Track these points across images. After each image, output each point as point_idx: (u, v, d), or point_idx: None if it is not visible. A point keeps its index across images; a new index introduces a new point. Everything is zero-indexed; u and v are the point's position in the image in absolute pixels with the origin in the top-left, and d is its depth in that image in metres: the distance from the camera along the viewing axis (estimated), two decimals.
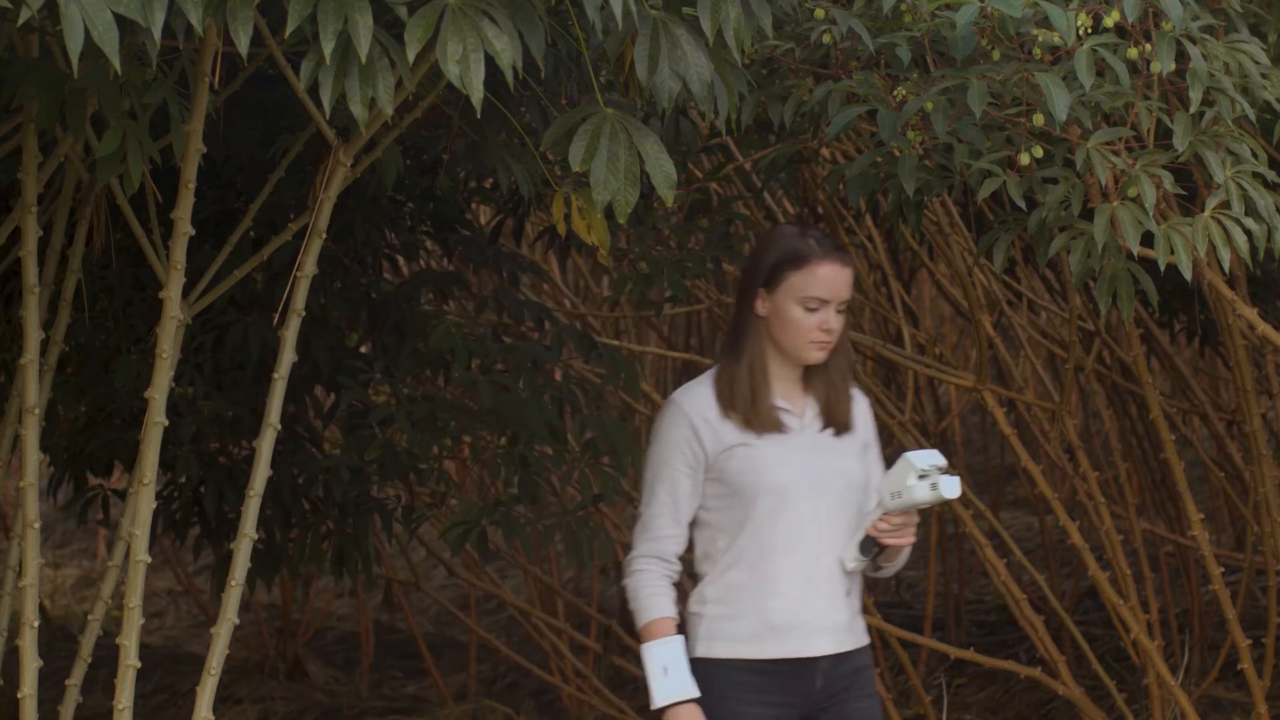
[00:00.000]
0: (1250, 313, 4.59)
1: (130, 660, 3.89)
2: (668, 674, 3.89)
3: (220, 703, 7.30)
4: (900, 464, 3.88)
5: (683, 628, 3.97)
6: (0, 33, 3.82)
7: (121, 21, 3.11)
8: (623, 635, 6.67)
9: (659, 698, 3.90)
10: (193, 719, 3.93)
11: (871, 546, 3.97)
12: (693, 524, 3.99)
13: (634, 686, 7.33)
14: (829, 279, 3.95)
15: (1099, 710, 5.83)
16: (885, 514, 3.91)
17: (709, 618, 3.98)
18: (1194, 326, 6.49)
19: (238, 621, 3.96)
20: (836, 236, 6.70)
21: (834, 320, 3.97)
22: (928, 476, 3.84)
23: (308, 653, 7.99)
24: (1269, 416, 7.59)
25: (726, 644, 3.96)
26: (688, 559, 4.04)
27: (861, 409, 4.10)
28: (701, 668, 3.95)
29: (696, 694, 3.90)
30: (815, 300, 3.95)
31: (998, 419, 5.60)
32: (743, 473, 3.94)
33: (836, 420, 4.02)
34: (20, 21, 3.01)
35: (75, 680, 4.27)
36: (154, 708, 7.52)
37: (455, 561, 6.94)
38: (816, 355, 3.97)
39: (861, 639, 4.06)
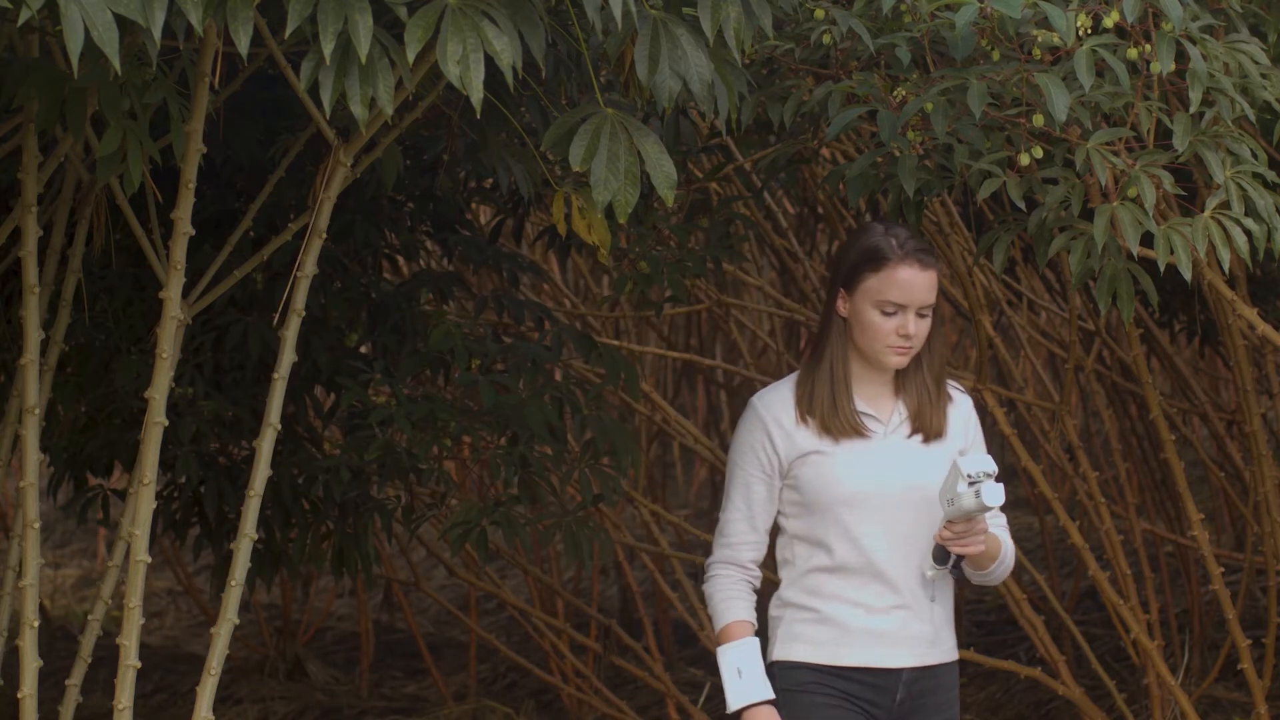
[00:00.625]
0: (1250, 313, 4.59)
1: (130, 660, 3.89)
2: (742, 676, 3.82)
3: (220, 703, 7.30)
4: (951, 471, 3.77)
5: (760, 632, 3.89)
6: (0, 33, 3.82)
7: (121, 21, 3.11)
8: (623, 635, 6.67)
9: (734, 700, 3.82)
10: (193, 719, 3.93)
11: (945, 554, 3.85)
12: (775, 527, 3.91)
13: (634, 686, 7.33)
14: (906, 283, 3.80)
15: (1099, 710, 5.83)
16: (947, 521, 3.79)
17: (788, 621, 3.89)
18: (1194, 326, 6.49)
19: (238, 621, 3.96)
20: (837, 234, 6.70)
21: (912, 325, 3.81)
22: (976, 483, 3.73)
23: (308, 653, 7.99)
24: (1269, 416, 7.59)
25: (805, 648, 3.87)
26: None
27: (960, 412, 3.94)
28: (779, 670, 3.87)
29: (772, 696, 3.82)
30: (891, 304, 3.81)
31: (998, 419, 5.60)
32: (815, 481, 3.84)
33: (925, 427, 3.88)
34: (20, 21, 3.02)
35: (75, 680, 4.27)
36: (154, 708, 7.52)
37: (455, 561, 6.94)
38: (895, 360, 3.83)
39: (948, 654, 3.93)
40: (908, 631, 3.86)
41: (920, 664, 3.87)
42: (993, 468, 3.73)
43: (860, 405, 3.87)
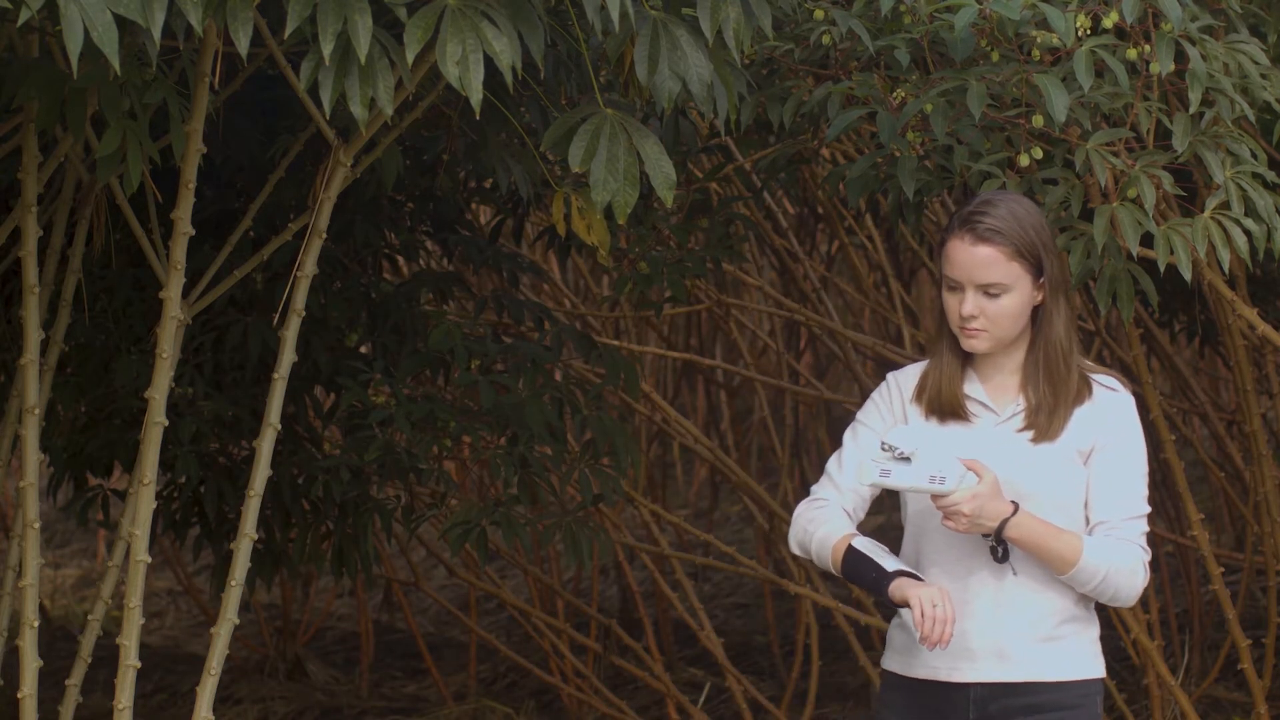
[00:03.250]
0: (1250, 313, 4.59)
1: (130, 660, 3.90)
2: (876, 553, 3.55)
3: (220, 703, 7.30)
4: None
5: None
6: (0, 33, 3.82)
7: (121, 22, 3.11)
8: (623, 635, 6.67)
9: (890, 565, 3.52)
10: (193, 719, 3.93)
11: (994, 548, 3.57)
12: None
13: (634, 686, 7.33)
14: (957, 258, 3.53)
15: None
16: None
17: (892, 623, 3.71)
18: (1194, 326, 6.49)
19: (238, 621, 3.97)
20: (837, 234, 6.71)
21: (970, 304, 3.53)
22: (894, 458, 3.53)
23: (308, 653, 7.99)
24: (1269, 416, 7.59)
25: (889, 655, 3.68)
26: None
27: (1096, 411, 3.59)
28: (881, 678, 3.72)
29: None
30: (952, 280, 3.55)
31: None
32: None
33: (1036, 423, 3.57)
34: (20, 22, 3.02)
35: (75, 680, 4.28)
36: (154, 708, 7.52)
37: (455, 561, 6.94)
38: (968, 344, 3.56)
39: (1036, 671, 3.58)
40: (976, 644, 3.58)
41: (993, 679, 3.57)
42: (909, 445, 3.50)
43: (977, 392, 3.61)
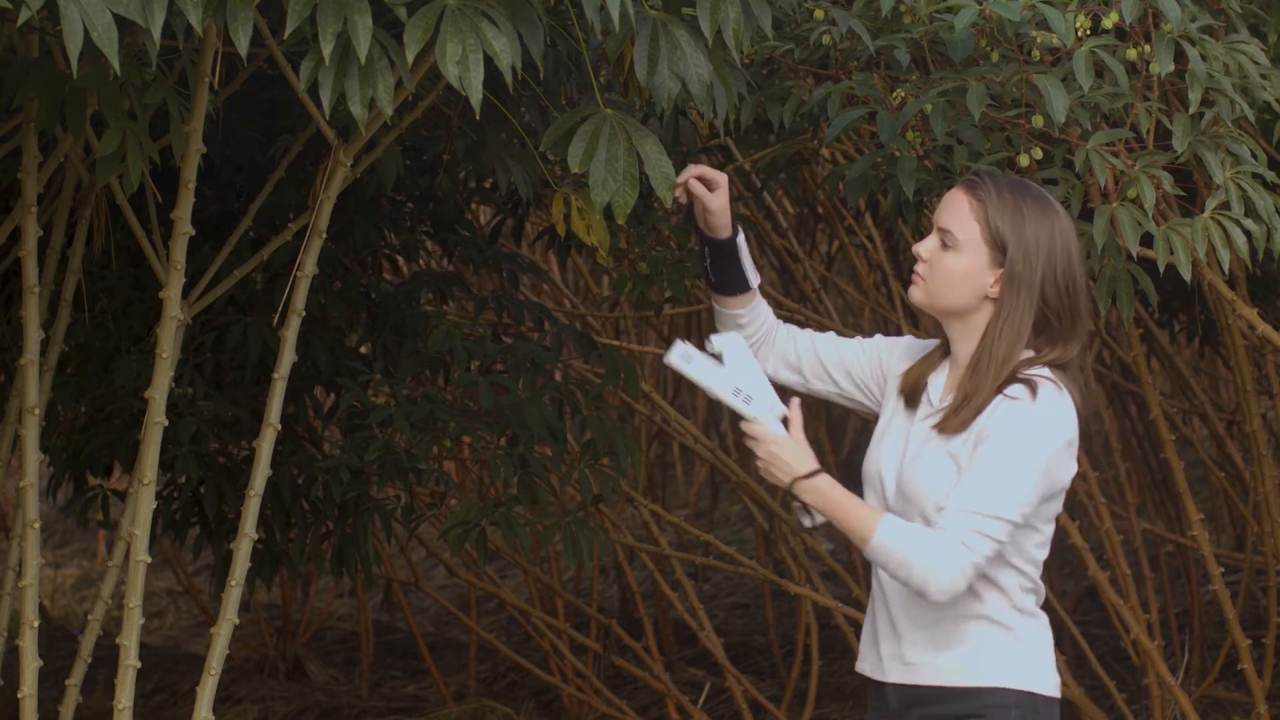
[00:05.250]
0: (1250, 313, 4.59)
1: (130, 660, 3.90)
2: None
3: (220, 703, 7.30)
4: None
5: None
6: (0, 33, 3.82)
7: (121, 22, 3.11)
8: (623, 635, 6.67)
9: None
10: (192, 719, 3.93)
11: (796, 507, 3.49)
12: None
13: (634, 686, 7.33)
14: (943, 201, 3.50)
15: (1099, 710, 5.83)
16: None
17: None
18: (1194, 326, 6.49)
19: (238, 621, 3.97)
20: (837, 234, 6.71)
21: (926, 245, 3.49)
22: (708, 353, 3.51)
23: (308, 653, 8.00)
24: (1269, 416, 7.60)
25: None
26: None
27: (995, 413, 3.42)
28: None
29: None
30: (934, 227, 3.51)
31: None
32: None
33: (942, 423, 3.46)
34: (20, 22, 3.02)
35: (75, 680, 4.28)
36: (154, 708, 7.52)
37: (455, 561, 6.94)
38: (909, 288, 3.52)
39: (932, 675, 3.48)
40: (888, 642, 3.53)
41: (902, 681, 3.52)
42: (722, 346, 3.48)
43: (936, 383, 3.54)
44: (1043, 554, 3.52)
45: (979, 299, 3.48)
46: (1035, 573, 3.52)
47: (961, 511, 3.38)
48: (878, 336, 3.72)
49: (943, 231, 3.48)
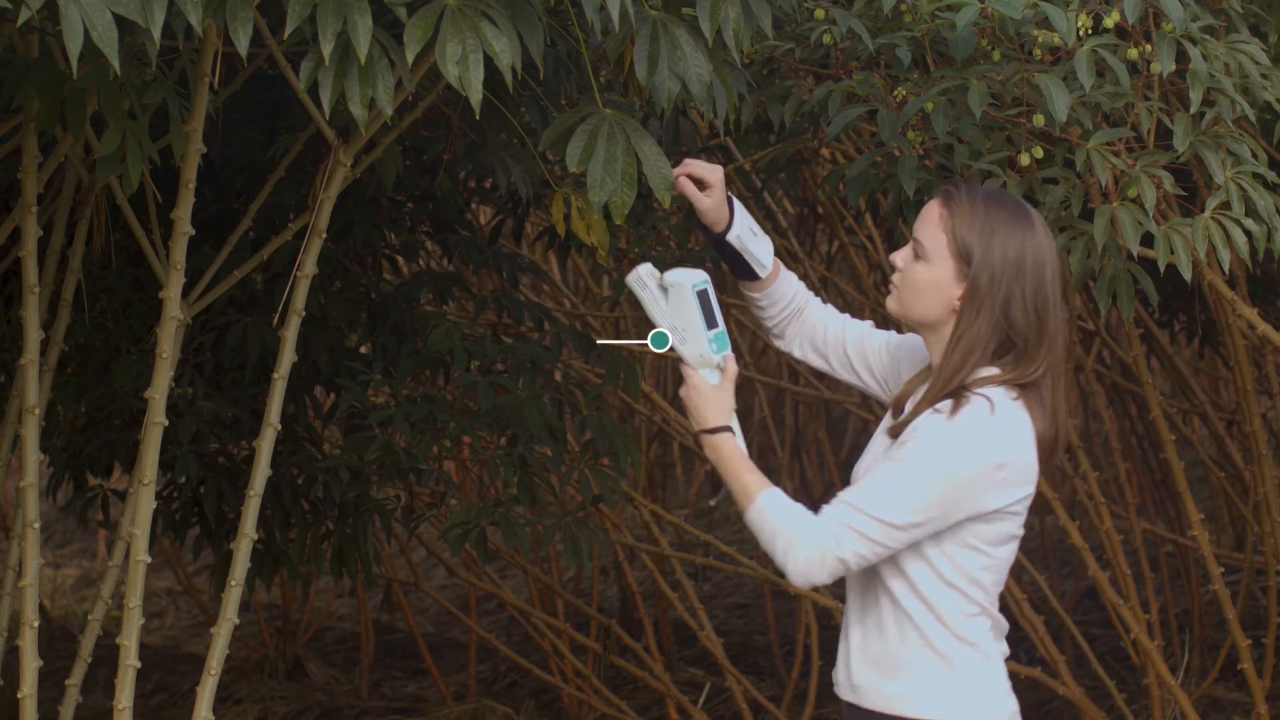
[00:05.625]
0: (1250, 313, 4.59)
1: (130, 660, 3.89)
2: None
3: (220, 703, 7.30)
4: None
5: None
6: (0, 33, 3.82)
7: (121, 22, 3.11)
8: (623, 635, 6.67)
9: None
10: (192, 719, 3.93)
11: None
12: None
13: (634, 686, 7.33)
14: (921, 211, 3.45)
15: (1099, 710, 5.83)
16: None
17: None
18: (1194, 326, 6.49)
19: (238, 621, 3.96)
20: (837, 234, 6.71)
21: (901, 254, 3.43)
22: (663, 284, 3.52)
23: (308, 653, 8.00)
24: (1269, 416, 7.59)
25: None
26: None
27: (917, 426, 3.37)
28: None
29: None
30: None
31: None
32: None
33: (894, 427, 3.44)
34: (20, 22, 3.02)
35: (75, 680, 4.28)
36: (154, 708, 7.52)
37: (455, 561, 6.94)
38: (887, 300, 3.48)
39: (871, 700, 3.43)
40: (840, 658, 3.50)
41: (849, 701, 3.46)
42: (678, 278, 3.50)
43: (916, 394, 3.48)
44: (992, 578, 3.40)
45: (947, 311, 3.41)
46: (983, 597, 3.40)
47: (842, 504, 3.34)
48: (909, 335, 3.66)
49: (915, 241, 3.42)
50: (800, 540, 3.33)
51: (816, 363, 3.75)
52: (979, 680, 3.40)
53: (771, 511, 3.37)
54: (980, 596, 3.40)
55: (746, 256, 3.69)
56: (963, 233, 3.37)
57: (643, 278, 3.54)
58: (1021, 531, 3.42)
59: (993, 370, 3.38)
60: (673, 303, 3.52)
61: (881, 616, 3.42)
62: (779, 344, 3.81)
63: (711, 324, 3.53)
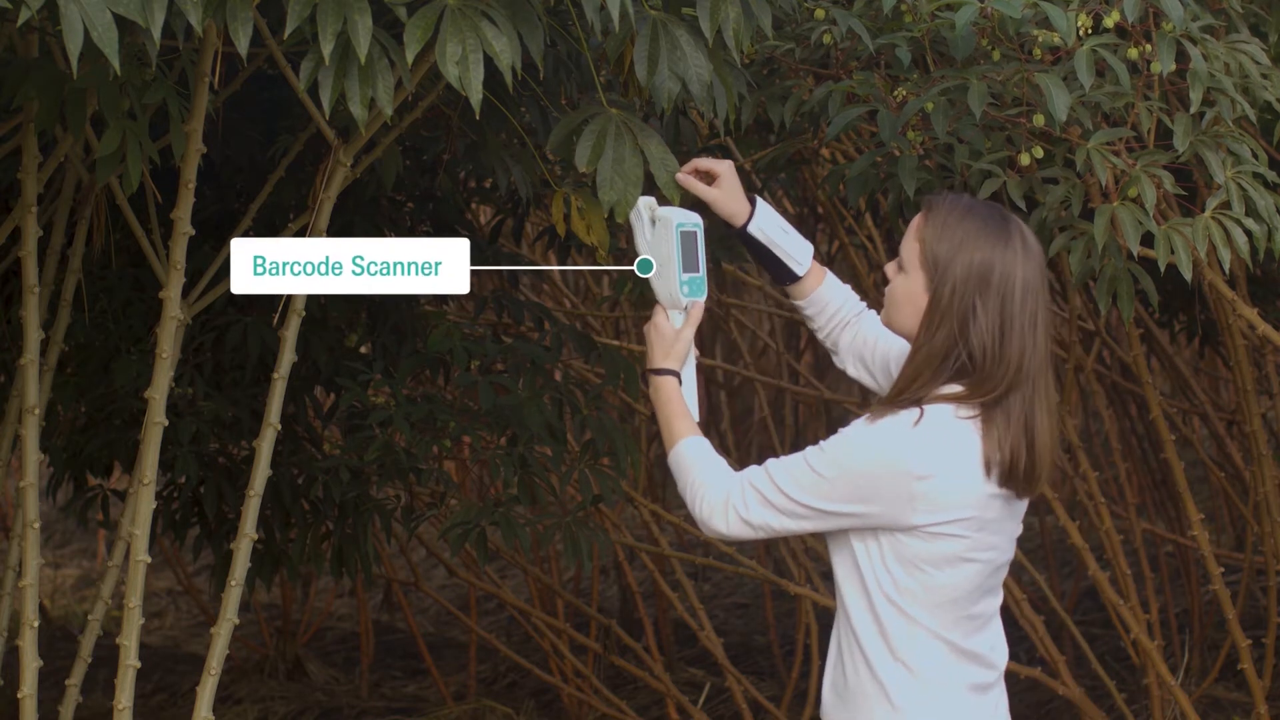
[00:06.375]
0: (1250, 313, 4.59)
1: (130, 660, 3.89)
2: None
3: (220, 703, 7.30)
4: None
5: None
6: (0, 33, 3.82)
7: (121, 22, 3.11)
8: (623, 635, 6.67)
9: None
10: (192, 719, 3.93)
11: None
12: None
13: (634, 686, 7.33)
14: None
15: (1099, 710, 5.83)
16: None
17: None
18: (1194, 326, 6.49)
19: (238, 621, 3.96)
20: (837, 234, 6.71)
21: (890, 268, 3.37)
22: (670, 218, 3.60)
23: (308, 653, 8.00)
24: (1269, 416, 7.59)
25: None
26: None
27: (849, 422, 3.39)
28: None
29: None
30: None
31: None
32: None
33: None
34: (20, 22, 3.02)
35: (75, 680, 4.27)
36: (154, 708, 7.52)
37: (455, 561, 6.94)
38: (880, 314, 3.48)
39: (833, 715, 3.39)
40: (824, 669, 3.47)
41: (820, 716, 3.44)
42: (670, 216, 3.56)
43: None
44: (940, 600, 3.30)
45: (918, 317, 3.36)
46: (931, 622, 3.32)
47: (759, 469, 3.39)
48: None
49: (899, 256, 3.37)
50: (709, 488, 3.40)
51: (863, 377, 3.69)
52: (922, 713, 3.32)
53: (690, 457, 3.44)
54: (928, 621, 3.31)
55: (776, 251, 3.65)
56: (932, 243, 3.30)
57: (640, 209, 3.62)
58: (979, 558, 3.31)
59: (955, 388, 3.30)
60: (657, 236, 3.59)
61: (840, 637, 3.37)
62: (837, 362, 3.75)
63: (690, 268, 3.57)
